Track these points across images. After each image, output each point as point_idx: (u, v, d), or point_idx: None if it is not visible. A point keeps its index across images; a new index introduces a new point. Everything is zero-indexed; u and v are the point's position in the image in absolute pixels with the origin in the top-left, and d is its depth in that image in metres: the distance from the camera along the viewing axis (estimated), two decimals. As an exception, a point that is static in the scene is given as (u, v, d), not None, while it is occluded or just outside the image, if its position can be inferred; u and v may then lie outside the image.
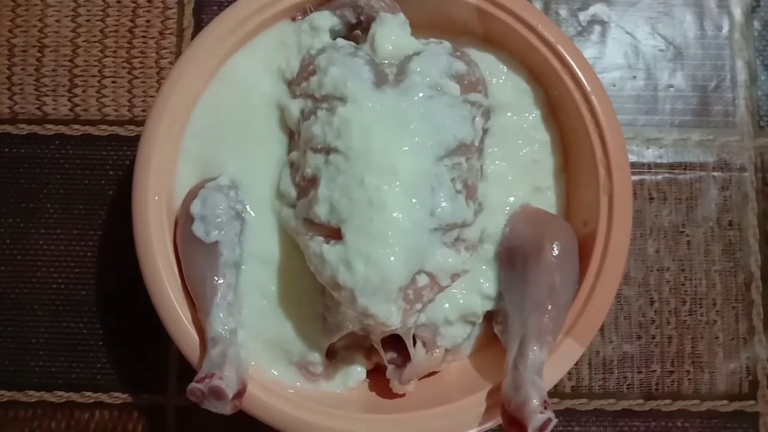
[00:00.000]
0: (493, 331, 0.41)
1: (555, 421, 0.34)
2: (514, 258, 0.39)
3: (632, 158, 0.48)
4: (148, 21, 0.50)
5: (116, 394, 0.46)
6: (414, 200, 0.35)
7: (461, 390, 0.39)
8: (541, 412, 0.34)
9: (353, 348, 0.41)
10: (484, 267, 0.40)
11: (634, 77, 0.50)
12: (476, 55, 0.42)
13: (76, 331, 0.47)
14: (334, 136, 0.36)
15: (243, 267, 0.39)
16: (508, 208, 0.41)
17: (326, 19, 0.41)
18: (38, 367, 0.46)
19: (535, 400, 0.34)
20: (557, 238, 0.38)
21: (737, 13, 0.51)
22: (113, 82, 0.49)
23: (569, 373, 0.44)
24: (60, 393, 0.46)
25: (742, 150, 0.50)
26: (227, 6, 0.41)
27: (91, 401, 0.46)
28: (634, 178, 0.47)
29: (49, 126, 0.49)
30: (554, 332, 0.37)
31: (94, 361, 0.46)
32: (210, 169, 0.40)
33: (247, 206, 0.40)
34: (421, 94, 0.37)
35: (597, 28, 0.51)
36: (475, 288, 0.40)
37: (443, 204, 0.36)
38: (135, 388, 0.46)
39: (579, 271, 0.39)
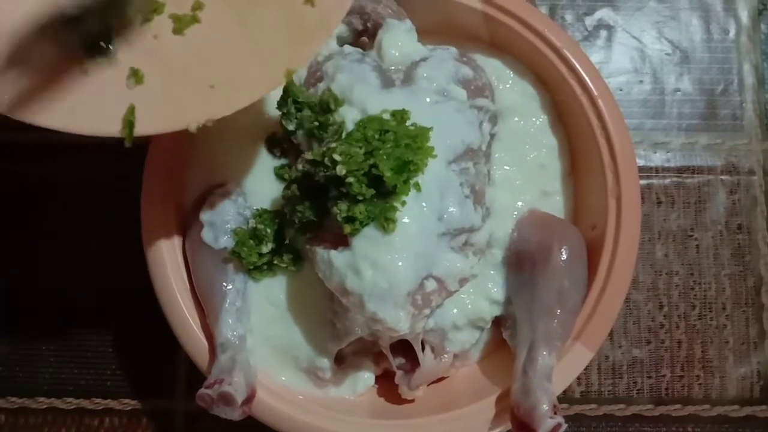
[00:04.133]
0: (502, 336, 0.41)
1: (565, 426, 0.34)
2: (522, 262, 0.39)
3: (640, 162, 0.48)
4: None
5: (125, 401, 0.46)
6: (422, 204, 0.35)
7: (470, 395, 0.39)
8: (551, 417, 0.33)
9: (362, 354, 0.41)
10: (492, 272, 0.40)
11: (641, 81, 0.50)
12: (483, 60, 0.42)
13: (85, 338, 0.47)
14: (341, 141, 0.36)
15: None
16: (515, 213, 0.41)
17: (333, 26, 0.41)
18: (48, 374, 0.47)
19: (544, 405, 0.34)
20: (565, 242, 0.38)
21: (744, 16, 0.51)
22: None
23: (578, 378, 0.44)
24: (70, 399, 0.46)
25: (750, 153, 0.49)
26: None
27: (100, 408, 0.46)
28: (642, 182, 0.47)
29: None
30: (563, 337, 0.37)
31: (103, 368, 0.47)
32: (218, 175, 0.40)
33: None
34: (428, 100, 0.37)
35: (603, 33, 0.51)
36: (483, 293, 0.40)
37: (451, 209, 0.36)
38: (144, 394, 0.46)
39: (587, 275, 0.39)
